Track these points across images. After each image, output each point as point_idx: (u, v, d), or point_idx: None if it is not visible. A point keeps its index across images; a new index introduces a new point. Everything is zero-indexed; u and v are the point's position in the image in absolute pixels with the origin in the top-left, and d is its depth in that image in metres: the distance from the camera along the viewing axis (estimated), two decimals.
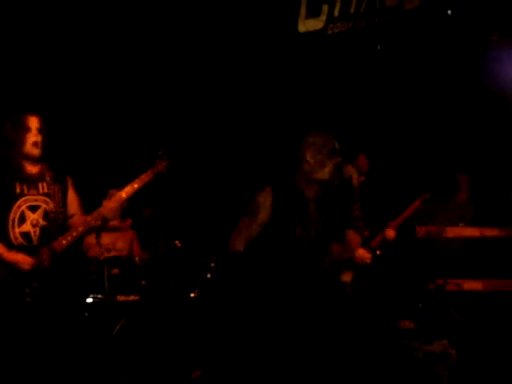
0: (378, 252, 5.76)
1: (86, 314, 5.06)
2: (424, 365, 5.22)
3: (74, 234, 4.27)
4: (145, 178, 4.39)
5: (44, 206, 4.21)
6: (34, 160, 4.22)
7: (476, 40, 6.56)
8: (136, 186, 4.37)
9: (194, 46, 5.64)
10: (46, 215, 4.21)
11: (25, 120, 4.20)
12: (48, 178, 4.27)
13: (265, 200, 4.05)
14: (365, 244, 5.51)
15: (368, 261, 5.41)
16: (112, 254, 5.39)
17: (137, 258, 5.35)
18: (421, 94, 6.62)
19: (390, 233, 5.76)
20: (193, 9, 5.27)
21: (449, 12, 6.49)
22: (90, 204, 4.43)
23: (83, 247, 5.62)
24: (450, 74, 6.57)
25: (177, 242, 5.51)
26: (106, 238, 5.46)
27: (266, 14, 5.48)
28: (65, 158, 4.53)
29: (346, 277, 5.38)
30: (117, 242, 5.73)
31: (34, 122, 4.21)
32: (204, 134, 6.26)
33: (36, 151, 4.21)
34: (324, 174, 4.07)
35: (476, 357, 5.29)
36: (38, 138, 4.20)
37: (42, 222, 4.19)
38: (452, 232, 5.98)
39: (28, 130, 4.19)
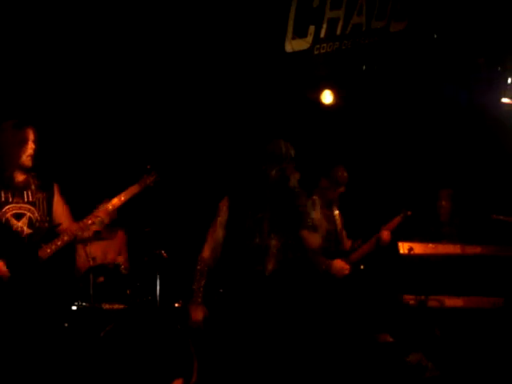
0: (361, 266, 5.80)
1: (71, 322, 5.14)
2: (401, 376, 5.33)
3: (59, 242, 4.38)
4: (132, 190, 4.53)
5: (29, 214, 4.30)
6: (25, 170, 4.32)
7: (462, 63, 6.72)
8: (123, 198, 4.51)
9: (180, 63, 5.77)
10: (31, 223, 4.31)
11: (24, 132, 4.29)
12: (33, 187, 4.36)
13: (223, 204, 4.53)
14: (345, 256, 5.62)
15: (346, 272, 5.52)
16: (97, 262, 5.51)
17: (122, 267, 5.47)
18: (404, 112, 6.76)
19: (384, 235, 5.65)
20: (179, 29, 5.42)
21: (435, 35, 6.65)
22: (79, 214, 4.57)
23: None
24: (433, 93, 6.72)
25: (163, 252, 5.64)
26: (94, 247, 5.57)
27: (253, 34, 5.63)
28: (55, 168, 4.64)
29: None
30: (104, 252, 5.86)
31: (30, 134, 4.31)
32: (191, 147, 6.40)
33: (30, 162, 4.31)
34: (270, 177, 4.45)
35: (456, 372, 5.40)
36: (34, 150, 4.32)
37: (26, 230, 4.31)
38: (434, 249, 6.05)
39: (26, 141, 4.28)
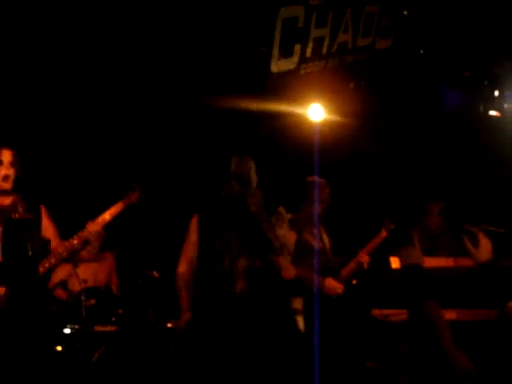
0: (354, 281, 5.77)
1: (63, 345, 5.16)
2: None
3: (46, 265, 4.42)
4: (117, 208, 4.57)
5: None
6: (5, 193, 4.36)
7: (448, 76, 6.78)
8: (108, 217, 4.55)
9: (159, 86, 5.85)
10: None
11: None
12: (21, 209, 4.41)
13: (193, 223, 4.70)
14: (334, 274, 5.60)
15: (339, 291, 5.51)
16: (89, 284, 5.53)
17: (114, 289, 5.49)
18: (392, 125, 6.81)
19: (364, 258, 5.63)
20: (162, 49, 5.48)
21: (421, 51, 6.71)
22: (66, 234, 4.61)
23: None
24: (420, 107, 6.77)
25: (154, 272, 5.66)
26: (85, 270, 5.59)
27: (239, 54, 5.69)
28: (39, 189, 4.68)
29: (297, 303, 5.36)
30: (95, 274, 5.87)
31: (6, 156, 4.34)
32: (174, 164, 6.46)
33: (7, 185, 4.33)
34: (232, 195, 4.64)
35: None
36: (10, 172, 4.34)
37: None
38: (427, 262, 6.04)
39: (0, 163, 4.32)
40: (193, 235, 4.67)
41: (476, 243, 5.82)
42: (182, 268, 4.66)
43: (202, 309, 4.60)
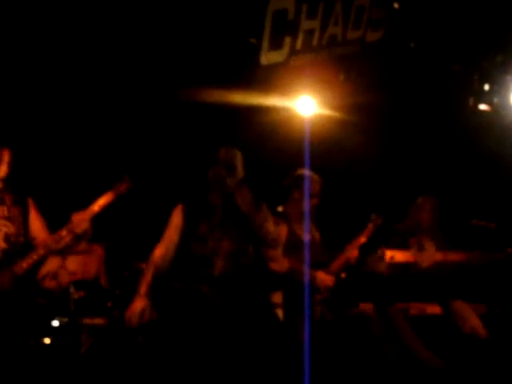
0: (342, 275, 5.78)
1: (52, 338, 5.14)
2: None
3: (35, 257, 4.41)
4: (106, 199, 4.54)
5: (4, 229, 4.34)
6: None
7: (438, 71, 6.77)
8: (97, 208, 4.53)
9: (147, 73, 5.82)
10: (7, 238, 4.34)
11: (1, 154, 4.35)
12: (8, 201, 4.40)
13: (177, 209, 4.65)
14: (324, 268, 5.61)
15: (330, 283, 5.52)
16: (78, 277, 5.51)
17: (102, 281, 5.47)
18: (382, 119, 6.80)
19: (352, 253, 5.70)
20: (150, 40, 5.46)
21: (411, 45, 6.70)
22: (53, 226, 4.59)
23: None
24: (409, 101, 6.76)
25: (143, 265, 5.63)
26: (74, 262, 5.57)
27: (229, 47, 5.67)
28: (26, 180, 4.65)
29: (276, 298, 5.36)
30: (84, 266, 5.85)
31: (5, 156, 4.37)
32: (161, 153, 6.45)
33: (1, 184, 4.37)
34: (216, 185, 4.63)
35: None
36: (6, 173, 4.37)
37: (2, 245, 4.33)
38: (415, 256, 6.03)
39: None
40: (176, 219, 4.61)
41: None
42: (158, 251, 4.57)
43: (176, 293, 4.49)
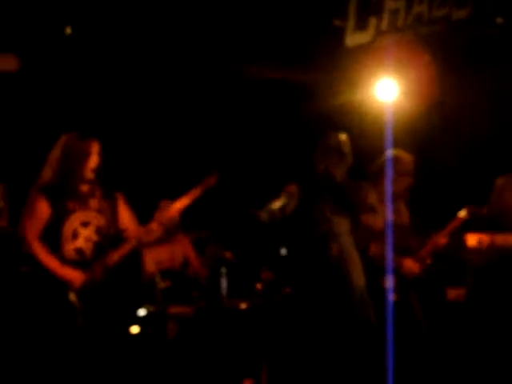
0: (428, 261, 5.63)
1: (139, 327, 5.16)
2: None
3: (125, 248, 4.42)
4: (194, 193, 4.50)
5: (95, 221, 4.35)
6: (88, 182, 4.36)
7: None
8: (186, 202, 4.49)
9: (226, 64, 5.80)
10: (98, 231, 4.36)
11: (88, 145, 4.33)
12: (98, 194, 4.41)
13: (292, 190, 4.83)
14: (413, 254, 5.46)
15: (417, 270, 5.39)
16: (164, 266, 5.51)
17: (198, 271, 5.50)
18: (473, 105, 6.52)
19: (442, 240, 5.50)
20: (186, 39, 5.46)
21: (499, 20, 6.43)
22: (142, 219, 4.58)
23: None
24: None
25: (228, 254, 5.61)
26: (159, 252, 5.58)
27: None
28: (115, 173, 4.63)
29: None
30: (170, 256, 5.85)
31: (94, 147, 4.34)
32: (247, 145, 6.40)
33: (92, 175, 4.34)
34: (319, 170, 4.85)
35: None
36: (96, 164, 4.34)
37: (94, 238, 4.35)
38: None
39: (89, 155, 4.31)
40: (291, 200, 4.76)
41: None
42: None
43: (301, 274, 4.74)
